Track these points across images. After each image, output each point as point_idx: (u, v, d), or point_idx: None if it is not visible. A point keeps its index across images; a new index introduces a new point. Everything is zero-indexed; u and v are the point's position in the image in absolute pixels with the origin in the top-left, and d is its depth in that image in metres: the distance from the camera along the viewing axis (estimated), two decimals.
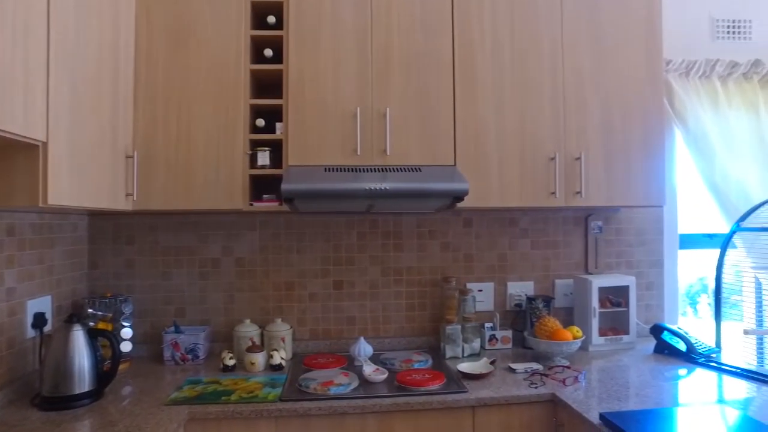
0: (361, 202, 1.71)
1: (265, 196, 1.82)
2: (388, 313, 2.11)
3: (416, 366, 1.82)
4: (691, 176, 2.35)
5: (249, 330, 1.94)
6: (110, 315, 1.83)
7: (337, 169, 1.71)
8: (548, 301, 2.07)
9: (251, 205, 1.77)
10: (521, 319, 2.13)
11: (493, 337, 2.06)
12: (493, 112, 1.84)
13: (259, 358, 1.80)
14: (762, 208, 2.12)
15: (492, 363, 1.81)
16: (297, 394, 1.56)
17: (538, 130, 1.86)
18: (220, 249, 2.05)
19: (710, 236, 2.44)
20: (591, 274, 2.22)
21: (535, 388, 1.60)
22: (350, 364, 1.87)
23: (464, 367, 1.78)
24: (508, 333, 2.07)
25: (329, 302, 2.10)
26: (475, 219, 2.16)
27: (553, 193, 1.85)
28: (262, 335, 1.97)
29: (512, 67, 1.85)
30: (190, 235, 2.05)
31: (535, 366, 1.79)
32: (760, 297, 2.36)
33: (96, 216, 2.02)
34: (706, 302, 2.73)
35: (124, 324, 1.84)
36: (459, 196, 1.66)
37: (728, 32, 2.41)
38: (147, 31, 1.74)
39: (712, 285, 2.19)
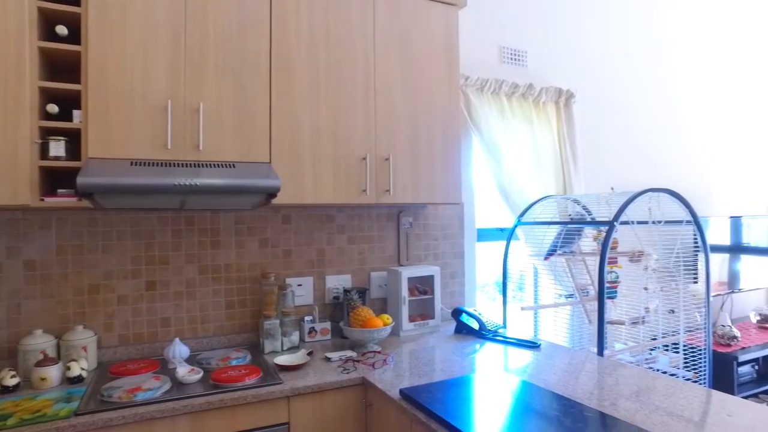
0: (173, 198, 1.65)
1: (60, 190, 1.64)
2: (207, 312, 2.07)
3: (234, 363, 1.82)
4: (486, 177, 2.72)
5: (40, 342, 1.73)
6: None
7: (144, 163, 1.62)
8: (363, 292, 2.22)
9: (42, 200, 1.58)
10: (339, 311, 2.25)
11: (312, 330, 2.14)
12: (308, 113, 1.92)
13: (51, 373, 1.62)
14: (536, 205, 2.55)
15: (309, 354, 1.89)
16: (98, 405, 1.45)
17: (351, 131, 1.99)
18: (3, 251, 1.79)
19: (501, 230, 2.85)
20: (402, 266, 2.44)
21: (347, 373, 1.72)
22: (164, 368, 1.79)
23: (281, 359, 1.83)
24: (327, 325, 2.17)
25: (141, 304, 1.97)
26: (294, 215, 2.23)
27: (365, 190, 2.00)
28: (58, 346, 1.77)
29: (327, 72, 1.95)
30: None
31: (349, 353, 1.92)
32: (537, 279, 2.83)
33: None
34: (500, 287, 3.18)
35: None
36: (272, 193, 1.70)
37: (511, 59, 2.85)
38: None
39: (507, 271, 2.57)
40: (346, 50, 1.99)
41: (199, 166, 1.67)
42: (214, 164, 1.71)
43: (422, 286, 2.35)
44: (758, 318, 3.76)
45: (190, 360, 1.86)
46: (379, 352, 1.94)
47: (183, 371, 1.65)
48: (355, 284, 2.34)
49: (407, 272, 2.26)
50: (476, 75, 2.62)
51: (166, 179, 1.55)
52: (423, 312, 2.35)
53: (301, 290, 2.22)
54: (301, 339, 2.14)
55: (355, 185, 1.99)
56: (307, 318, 2.15)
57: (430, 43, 2.17)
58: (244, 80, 1.81)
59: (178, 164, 1.65)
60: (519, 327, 2.64)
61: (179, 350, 1.83)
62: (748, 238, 4.00)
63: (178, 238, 2.02)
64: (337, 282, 2.29)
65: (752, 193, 4.29)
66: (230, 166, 1.72)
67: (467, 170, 2.66)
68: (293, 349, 2.03)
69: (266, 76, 1.84)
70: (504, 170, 2.63)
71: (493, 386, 1.54)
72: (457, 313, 2.30)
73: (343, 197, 1.97)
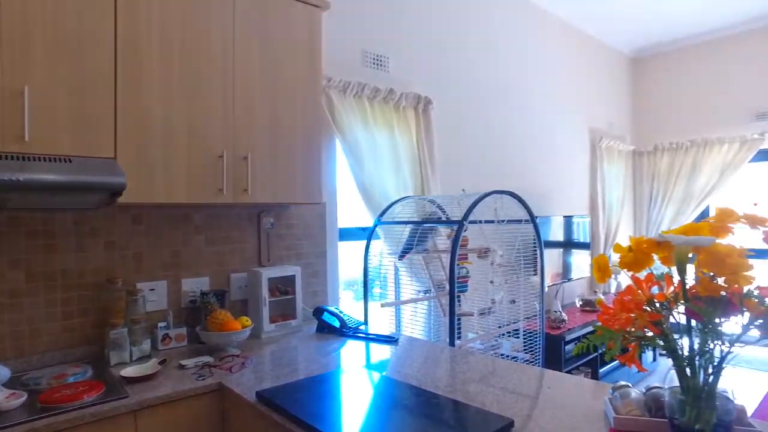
0: None
1: None
2: (37, 326, 1.83)
3: (71, 380, 1.63)
4: (348, 178, 2.78)
5: None
6: None
7: None
8: (222, 294, 2.14)
9: None
10: (196, 315, 2.14)
11: (166, 336, 2.01)
12: (160, 106, 1.79)
13: None
14: (396, 205, 2.67)
15: (162, 363, 1.77)
16: None
17: (208, 128, 1.90)
18: None
19: (363, 229, 2.93)
20: (264, 266, 2.40)
21: (203, 380, 1.65)
22: None
23: (129, 371, 1.69)
24: (183, 330, 2.05)
25: None
26: (145, 216, 2.07)
27: (221, 190, 1.93)
28: None
29: (182, 63, 1.84)
30: None
31: (206, 359, 1.84)
32: (398, 276, 2.97)
33: None
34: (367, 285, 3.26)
35: None
36: (116, 191, 1.57)
37: (374, 63, 2.95)
38: None
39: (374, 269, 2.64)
40: (203, 42, 1.90)
41: (25, 160, 1.47)
42: (45, 158, 1.52)
43: (284, 287, 2.33)
44: (581, 303, 4.35)
45: (13, 382, 1.63)
46: (238, 356, 1.89)
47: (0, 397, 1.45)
48: (215, 286, 2.25)
49: (268, 273, 2.23)
50: (339, 77, 2.66)
51: None
52: (285, 312, 2.33)
53: (154, 295, 2.07)
54: (155, 347, 1.99)
55: (212, 184, 1.91)
56: (160, 324, 2.01)
57: (293, 42, 2.17)
58: (82, 63, 1.63)
59: None
60: (381, 323, 2.74)
61: None
62: (577, 235, 4.60)
63: None
64: (194, 285, 2.18)
65: (578, 196, 4.95)
66: (66, 161, 1.54)
67: (330, 170, 2.70)
68: (144, 358, 1.89)
69: (110, 62, 1.69)
70: (365, 171, 2.71)
71: (352, 382, 1.58)
72: (318, 312, 2.32)
73: (198, 197, 1.87)
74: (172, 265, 2.13)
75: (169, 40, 1.82)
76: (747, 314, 0.90)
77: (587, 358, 3.67)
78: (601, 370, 3.78)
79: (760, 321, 0.87)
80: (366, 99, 2.80)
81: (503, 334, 2.64)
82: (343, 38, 2.81)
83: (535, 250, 2.66)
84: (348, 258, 2.83)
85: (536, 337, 2.64)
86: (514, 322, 2.58)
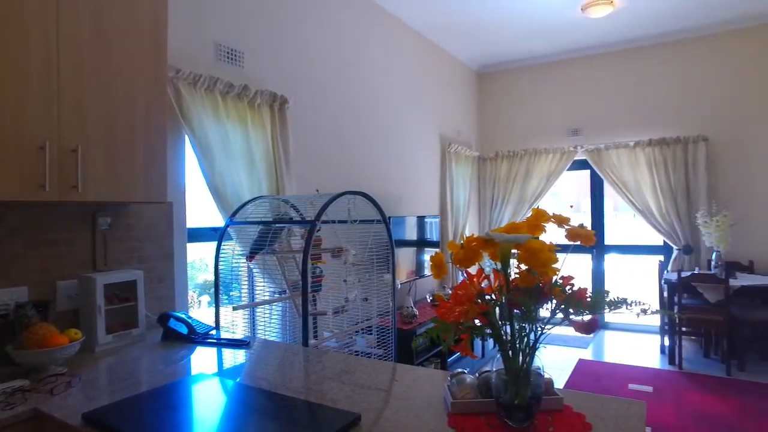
0: None
1: None
2: None
3: None
4: (198, 176, 2.63)
5: None
6: None
7: None
8: (45, 306, 1.88)
9: None
10: (8, 332, 1.85)
11: None
12: None
13: None
14: (249, 205, 2.59)
15: None
16: None
17: (24, 115, 1.65)
18: None
19: (214, 229, 2.80)
20: (99, 271, 2.16)
21: (11, 408, 1.42)
22: None
23: None
24: None
25: None
26: None
27: (43, 186, 1.69)
28: None
29: None
30: None
31: (20, 383, 1.59)
32: (252, 278, 2.88)
33: None
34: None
35: None
36: None
37: (228, 58, 2.83)
38: None
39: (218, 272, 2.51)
40: (15, 10, 1.63)
41: None
42: None
43: (123, 293, 2.12)
44: (431, 298, 4.65)
45: None
46: (63, 374, 1.67)
47: None
48: (36, 297, 1.96)
49: (104, 278, 2.01)
50: (189, 69, 2.50)
51: None
52: (125, 321, 2.12)
53: None
54: None
55: (30, 179, 1.65)
56: None
57: (134, 24, 1.97)
58: None
59: None
60: (235, 327, 2.64)
61: None
62: (429, 234, 4.90)
63: None
64: (8, 297, 1.88)
65: (430, 198, 5.28)
66: None
67: (178, 167, 2.53)
68: None
69: None
70: (216, 169, 2.59)
71: (200, 392, 1.50)
72: (164, 318, 2.16)
73: (13, 194, 1.62)
74: None
75: None
76: (554, 300, 1.04)
77: (436, 350, 3.93)
78: (449, 360, 4.07)
79: (563, 305, 1.01)
80: (219, 94, 2.67)
81: (358, 332, 2.71)
82: (195, 29, 2.65)
83: (388, 249, 2.77)
84: (205, 260, 2.68)
85: (389, 333, 2.76)
86: (367, 319, 2.66)
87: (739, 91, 5.10)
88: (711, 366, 4.54)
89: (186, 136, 2.53)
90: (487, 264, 1.11)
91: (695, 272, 4.48)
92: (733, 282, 4.29)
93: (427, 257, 4.75)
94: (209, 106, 2.61)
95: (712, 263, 4.68)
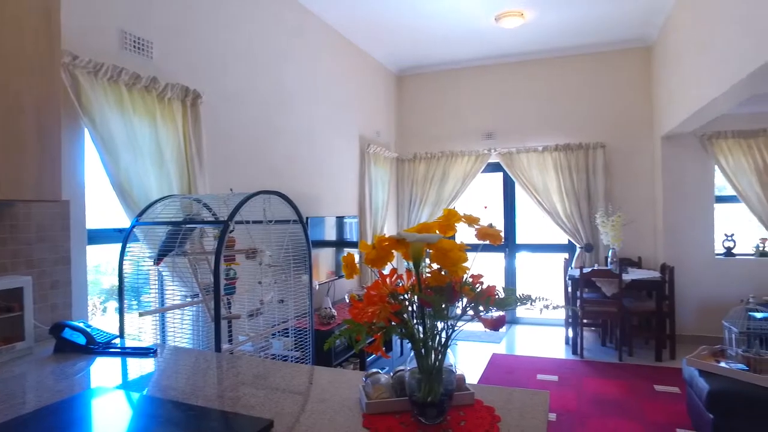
0: None
1: None
2: None
3: None
4: (101, 172, 2.44)
5: None
6: None
7: None
8: None
9: None
10: None
11: None
12: None
13: None
14: (157, 204, 2.45)
15: None
16: None
17: None
18: None
19: (119, 230, 2.61)
20: None
21: None
22: None
23: None
24: None
25: None
26: None
27: None
28: None
29: None
30: None
31: None
32: (161, 281, 2.72)
33: None
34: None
35: None
36: None
37: (135, 47, 2.65)
38: None
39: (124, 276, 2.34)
40: None
41: None
42: None
43: (7, 302, 1.92)
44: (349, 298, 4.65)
45: None
46: None
47: None
48: None
49: None
50: (89, 57, 2.32)
51: None
52: (8, 334, 1.92)
53: None
54: None
55: None
56: None
57: (21, 4, 1.79)
58: None
59: None
60: (143, 335, 2.47)
61: None
62: (348, 234, 4.89)
63: None
64: None
65: (349, 198, 5.29)
66: None
67: (77, 163, 2.33)
68: None
69: None
70: (121, 166, 2.42)
71: (98, 408, 1.39)
72: (58, 328, 1.98)
73: None
74: None
75: None
76: (464, 298, 1.07)
77: (354, 351, 3.92)
78: (368, 360, 4.09)
79: (472, 303, 1.05)
80: (123, 85, 2.49)
81: (274, 335, 2.65)
82: (97, 13, 2.46)
83: (305, 250, 2.74)
84: (113, 263, 2.49)
85: (307, 335, 2.72)
86: (284, 322, 2.61)
87: (628, 103, 5.62)
88: (607, 353, 4.98)
89: (86, 130, 2.34)
90: (405, 264, 1.13)
91: (594, 268, 4.84)
92: (625, 276, 4.72)
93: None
94: (113, 98, 2.43)
95: (609, 260, 5.12)
